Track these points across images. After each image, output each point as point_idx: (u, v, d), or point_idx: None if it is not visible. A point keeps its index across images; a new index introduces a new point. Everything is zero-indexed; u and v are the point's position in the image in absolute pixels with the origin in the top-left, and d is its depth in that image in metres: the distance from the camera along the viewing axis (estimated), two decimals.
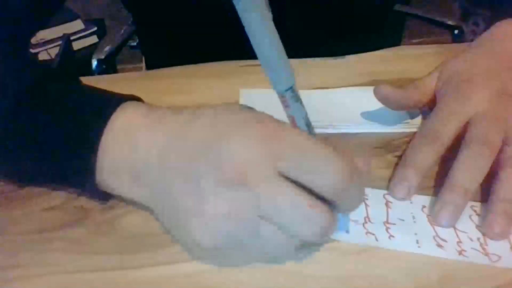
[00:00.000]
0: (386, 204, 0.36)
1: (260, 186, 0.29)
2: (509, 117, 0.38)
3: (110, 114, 0.33)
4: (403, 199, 0.37)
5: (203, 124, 0.31)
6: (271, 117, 0.31)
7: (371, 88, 0.44)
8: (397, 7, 0.75)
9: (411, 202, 0.37)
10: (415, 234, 0.34)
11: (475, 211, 0.36)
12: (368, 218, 0.35)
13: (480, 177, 0.36)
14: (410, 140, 0.42)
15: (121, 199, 0.36)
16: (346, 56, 0.55)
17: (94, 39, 1.71)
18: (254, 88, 0.48)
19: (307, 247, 0.33)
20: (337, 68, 0.54)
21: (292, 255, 0.32)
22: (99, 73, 0.86)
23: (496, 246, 0.33)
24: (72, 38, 1.66)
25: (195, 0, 0.59)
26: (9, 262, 0.33)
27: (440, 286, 0.31)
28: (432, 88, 0.43)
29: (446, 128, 0.39)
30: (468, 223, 0.35)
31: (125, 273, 0.32)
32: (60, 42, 1.59)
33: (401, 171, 0.38)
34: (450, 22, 0.87)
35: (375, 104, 0.45)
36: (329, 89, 0.50)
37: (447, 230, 0.34)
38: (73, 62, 1.57)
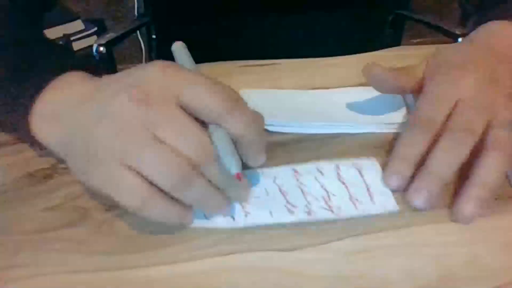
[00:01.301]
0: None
1: (158, 107, 0.32)
2: (495, 103, 0.38)
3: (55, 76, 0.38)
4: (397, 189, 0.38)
5: (124, 72, 0.35)
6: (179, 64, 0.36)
7: (371, 88, 0.44)
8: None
9: (263, 177, 0.39)
10: (268, 206, 0.37)
11: (320, 171, 0.39)
12: None
13: (456, 164, 0.36)
14: None
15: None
16: (346, 56, 0.55)
17: (94, 39, 1.71)
18: (254, 88, 0.49)
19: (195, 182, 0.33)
20: (337, 68, 0.54)
21: (181, 176, 0.32)
22: (99, 59, 0.86)
23: (336, 199, 0.37)
24: (72, 38, 1.66)
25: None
26: (9, 262, 0.33)
27: (440, 286, 0.31)
28: (421, 72, 0.43)
29: (435, 113, 0.39)
30: (314, 184, 0.38)
31: (125, 273, 0.32)
32: (60, 42, 1.59)
33: (393, 163, 0.38)
34: (447, 28, 0.87)
35: (375, 104, 0.45)
36: (329, 89, 0.50)
37: (297, 196, 0.37)
38: None
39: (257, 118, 0.35)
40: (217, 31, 0.64)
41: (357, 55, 0.56)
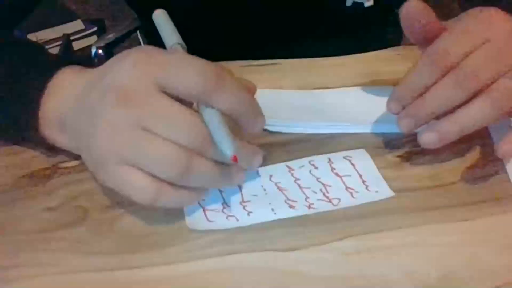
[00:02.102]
0: (238, 185, 0.38)
1: (141, 101, 0.31)
2: None
3: (51, 75, 0.38)
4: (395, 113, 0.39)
5: (104, 66, 0.35)
6: (151, 46, 0.34)
7: (371, 88, 0.44)
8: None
9: (259, 176, 0.39)
10: (269, 203, 0.37)
11: (313, 165, 0.40)
12: (225, 204, 0.37)
13: (450, 103, 0.36)
14: (411, 140, 0.42)
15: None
16: (346, 56, 0.55)
17: (94, 39, 1.71)
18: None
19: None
20: (337, 68, 0.54)
21: (181, 167, 0.31)
22: (98, 61, 0.86)
23: (334, 191, 0.38)
24: (72, 38, 1.66)
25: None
26: (9, 262, 0.33)
27: (440, 285, 0.31)
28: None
29: (454, 48, 0.37)
30: (310, 178, 0.39)
31: (125, 273, 0.32)
32: (60, 42, 1.59)
33: (396, 89, 0.38)
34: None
35: (375, 104, 0.45)
36: (329, 89, 0.50)
37: (295, 192, 0.38)
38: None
39: (245, 85, 0.34)
40: (217, 31, 0.64)
41: (357, 55, 0.55)
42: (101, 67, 0.35)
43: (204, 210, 0.36)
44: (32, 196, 0.38)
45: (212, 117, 0.32)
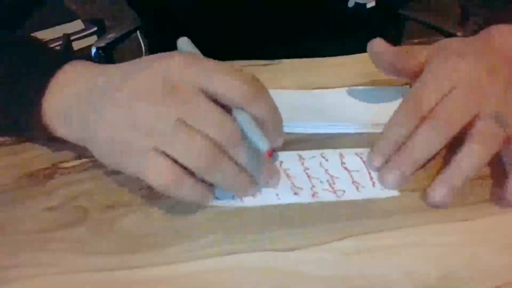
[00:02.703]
0: None
1: (184, 94, 0.33)
2: (489, 94, 0.38)
3: (52, 75, 0.38)
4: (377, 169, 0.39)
5: (138, 61, 0.36)
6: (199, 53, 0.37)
7: (371, 88, 0.44)
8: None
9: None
10: (275, 188, 0.38)
11: (324, 157, 0.41)
12: None
13: (431, 151, 0.38)
14: None
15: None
16: (346, 56, 0.55)
17: (94, 39, 1.71)
18: None
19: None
20: (337, 68, 0.54)
21: (209, 159, 0.33)
22: (98, 61, 0.86)
23: (340, 183, 0.39)
24: (72, 38, 1.66)
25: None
26: (9, 262, 0.33)
27: (440, 285, 0.31)
28: (423, 57, 0.43)
29: (426, 97, 0.39)
30: (319, 169, 0.40)
31: (125, 273, 0.32)
32: (60, 42, 1.59)
33: (378, 143, 0.40)
34: (447, 28, 0.87)
35: (375, 104, 0.45)
36: (329, 89, 0.50)
37: (302, 180, 0.39)
38: None
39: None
40: (217, 31, 0.64)
41: (357, 55, 0.55)
42: (135, 61, 0.36)
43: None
44: (32, 196, 0.38)
45: (247, 118, 0.34)
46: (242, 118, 0.34)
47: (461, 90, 0.39)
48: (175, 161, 0.33)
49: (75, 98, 0.37)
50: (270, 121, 0.36)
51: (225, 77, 0.34)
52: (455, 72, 0.39)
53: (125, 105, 0.34)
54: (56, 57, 0.41)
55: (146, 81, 0.34)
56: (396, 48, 0.44)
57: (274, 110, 0.36)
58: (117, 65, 0.37)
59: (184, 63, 0.34)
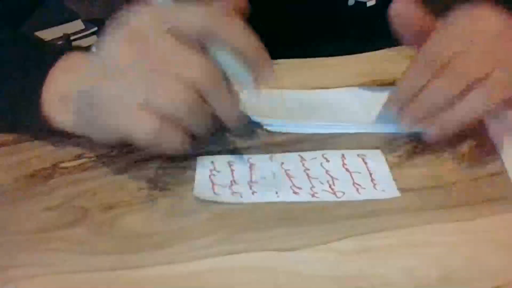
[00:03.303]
0: (250, 167, 0.40)
1: (152, 41, 0.33)
2: (503, 53, 0.39)
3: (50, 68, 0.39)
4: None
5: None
6: None
7: (371, 88, 0.44)
8: None
9: (271, 161, 0.41)
10: (275, 187, 0.38)
11: (325, 158, 0.41)
12: (234, 181, 0.39)
13: (442, 101, 0.38)
14: (411, 140, 0.43)
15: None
16: (346, 56, 0.55)
17: (94, 39, 1.71)
18: None
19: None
20: (337, 68, 0.54)
21: (190, 102, 0.33)
22: None
23: (340, 184, 0.38)
24: (72, 38, 1.66)
25: None
26: (9, 262, 0.33)
27: (440, 285, 0.31)
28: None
29: (443, 50, 0.39)
30: (319, 170, 0.40)
31: (125, 273, 0.32)
32: (60, 42, 1.59)
33: (394, 94, 0.41)
34: None
35: (375, 104, 0.45)
36: (329, 89, 0.50)
37: (302, 180, 0.39)
38: None
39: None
40: None
41: (357, 55, 0.55)
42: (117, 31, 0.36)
43: (213, 184, 0.38)
44: (32, 196, 0.38)
45: (224, 54, 0.33)
46: (219, 54, 0.33)
47: (481, 44, 0.39)
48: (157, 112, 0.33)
49: (72, 84, 0.37)
50: (249, 49, 0.35)
51: (187, 12, 0.34)
52: (477, 25, 0.40)
53: (111, 74, 0.34)
54: (55, 49, 0.42)
55: (123, 47, 0.34)
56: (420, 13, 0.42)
57: (249, 36, 0.35)
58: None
59: (143, 10, 0.34)
